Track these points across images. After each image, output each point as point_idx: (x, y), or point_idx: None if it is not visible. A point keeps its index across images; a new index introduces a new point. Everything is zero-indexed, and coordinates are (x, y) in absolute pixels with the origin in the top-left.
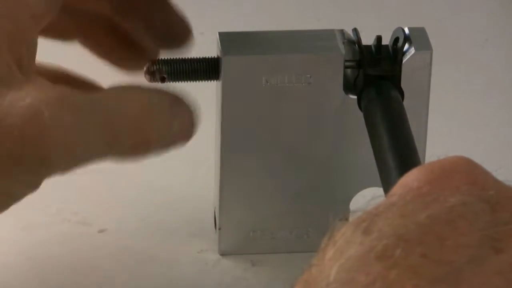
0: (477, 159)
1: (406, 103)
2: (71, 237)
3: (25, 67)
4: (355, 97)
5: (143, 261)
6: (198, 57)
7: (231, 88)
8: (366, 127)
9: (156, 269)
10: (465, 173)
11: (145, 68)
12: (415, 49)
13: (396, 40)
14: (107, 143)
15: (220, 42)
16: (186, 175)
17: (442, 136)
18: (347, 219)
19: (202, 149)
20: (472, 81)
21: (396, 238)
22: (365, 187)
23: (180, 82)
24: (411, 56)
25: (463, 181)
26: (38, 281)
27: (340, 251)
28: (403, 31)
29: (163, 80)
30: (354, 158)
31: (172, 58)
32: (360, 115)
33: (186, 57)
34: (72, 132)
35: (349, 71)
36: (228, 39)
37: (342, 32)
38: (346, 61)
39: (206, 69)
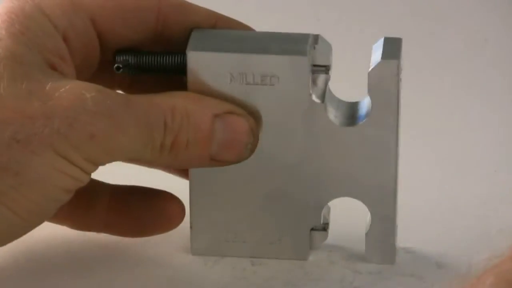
0: (477, 159)
1: (374, 113)
2: (71, 239)
3: (60, 69)
4: (322, 102)
5: (143, 262)
6: (166, 51)
7: (197, 84)
8: None
9: (155, 270)
10: None
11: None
12: (382, 57)
13: None
14: (141, 135)
15: (191, 38)
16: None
17: (442, 136)
18: (325, 230)
19: None
20: (472, 81)
21: None
22: (336, 197)
23: (147, 74)
24: (377, 65)
25: None
26: (37, 282)
27: None
28: None
29: (118, 69)
30: (324, 166)
31: (140, 51)
32: (329, 122)
33: (155, 51)
34: (111, 118)
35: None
36: (199, 36)
37: (316, 36)
38: (314, 65)
39: (173, 63)
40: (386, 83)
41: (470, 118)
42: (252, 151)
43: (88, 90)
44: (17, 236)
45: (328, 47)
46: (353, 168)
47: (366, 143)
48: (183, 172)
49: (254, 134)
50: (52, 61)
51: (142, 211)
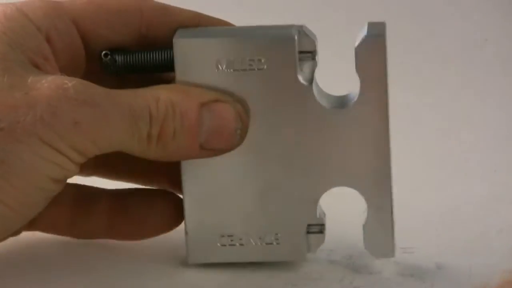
0: (476, 158)
1: (362, 93)
2: (69, 239)
3: (44, 68)
4: (311, 85)
5: (142, 262)
6: (153, 49)
7: (185, 73)
8: None
9: (155, 270)
10: None
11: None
12: (367, 34)
13: None
14: (126, 125)
15: (177, 32)
16: None
17: (442, 136)
18: (321, 232)
19: None
20: (472, 81)
21: None
22: (331, 187)
23: (135, 73)
24: (362, 40)
25: None
26: (36, 281)
27: None
28: None
29: (106, 67)
30: (317, 153)
31: (127, 50)
32: (318, 106)
33: (142, 50)
34: (94, 106)
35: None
36: (185, 30)
37: (300, 26)
38: (300, 52)
39: (161, 59)
40: (373, 58)
41: (470, 118)
42: (242, 137)
43: (70, 81)
44: (9, 229)
45: (313, 35)
46: (345, 153)
47: (357, 125)
48: (176, 185)
49: (242, 120)
50: (35, 61)
51: (142, 211)
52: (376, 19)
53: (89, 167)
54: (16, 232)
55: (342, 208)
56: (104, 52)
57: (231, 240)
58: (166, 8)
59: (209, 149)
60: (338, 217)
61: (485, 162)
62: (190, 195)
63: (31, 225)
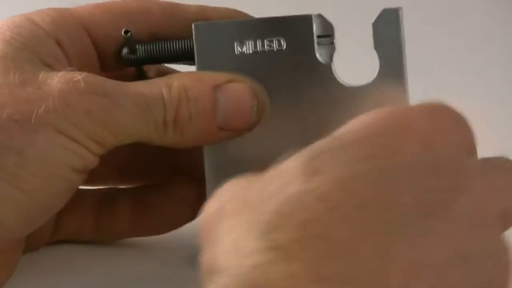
0: None
1: (381, 69)
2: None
3: (49, 63)
4: (331, 64)
5: (143, 260)
6: (174, 39)
7: (205, 56)
8: None
9: (156, 269)
10: (420, 133)
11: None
12: (384, 9)
13: None
14: (140, 112)
15: (195, 22)
16: None
17: None
18: None
19: None
20: (472, 81)
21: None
22: None
23: (155, 63)
24: (380, 14)
25: (415, 141)
26: (37, 280)
27: (282, 186)
28: None
29: (131, 52)
30: None
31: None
32: (337, 84)
33: (162, 40)
34: (106, 96)
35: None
36: (204, 21)
37: (318, 14)
38: (318, 36)
39: (180, 49)
40: (390, 32)
41: (470, 118)
42: (260, 115)
43: (80, 74)
44: (33, 220)
45: (330, 23)
46: None
47: (377, 102)
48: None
49: (258, 97)
50: (48, 63)
51: (164, 204)
52: (374, 17)
53: (109, 178)
54: (36, 247)
55: None
56: (123, 44)
57: None
58: (172, 5)
59: (228, 130)
60: None
61: None
62: (212, 180)
63: (54, 234)
